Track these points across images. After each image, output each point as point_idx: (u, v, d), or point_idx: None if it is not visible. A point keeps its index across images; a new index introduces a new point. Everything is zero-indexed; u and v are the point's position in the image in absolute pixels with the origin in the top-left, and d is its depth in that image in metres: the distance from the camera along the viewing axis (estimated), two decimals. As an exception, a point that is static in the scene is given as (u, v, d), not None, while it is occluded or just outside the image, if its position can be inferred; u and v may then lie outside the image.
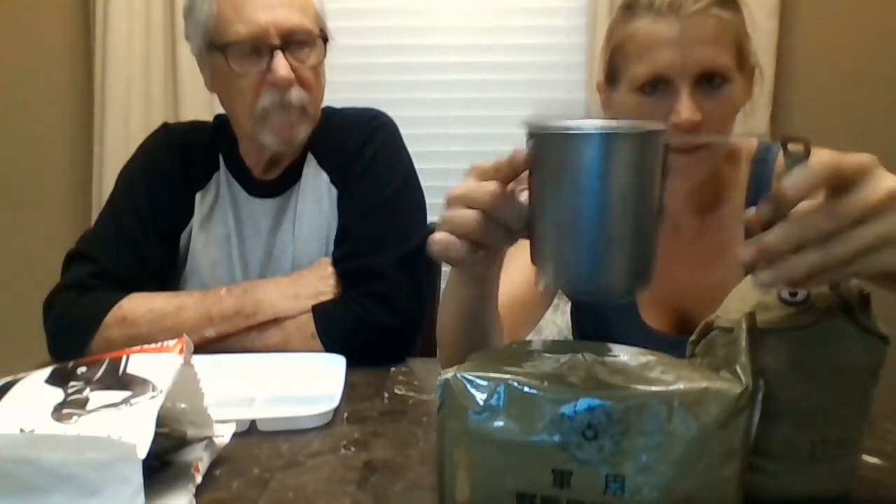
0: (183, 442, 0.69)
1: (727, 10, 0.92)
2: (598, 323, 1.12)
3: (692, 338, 0.67)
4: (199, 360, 0.69)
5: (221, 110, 1.21)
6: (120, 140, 1.96)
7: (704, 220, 1.04)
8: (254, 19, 1.06)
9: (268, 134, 1.11)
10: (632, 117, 0.93)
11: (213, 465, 0.70)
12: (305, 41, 1.10)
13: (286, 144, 1.13)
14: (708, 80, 0.91)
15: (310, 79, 1.11)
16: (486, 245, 0.65)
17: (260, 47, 1.07)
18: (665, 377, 0.56)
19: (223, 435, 0.72)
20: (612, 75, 1.00)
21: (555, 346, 0.61)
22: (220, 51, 1.08)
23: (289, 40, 1.08)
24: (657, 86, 0.92)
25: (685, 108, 0.89)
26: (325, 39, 1.12)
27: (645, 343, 1.05)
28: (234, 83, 1.09)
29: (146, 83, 1.98)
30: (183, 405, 0.68)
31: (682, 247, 1.05)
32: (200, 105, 1.97)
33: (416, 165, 1.21)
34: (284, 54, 1.07)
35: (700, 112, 0.90)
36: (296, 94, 1.09)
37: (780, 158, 0.92)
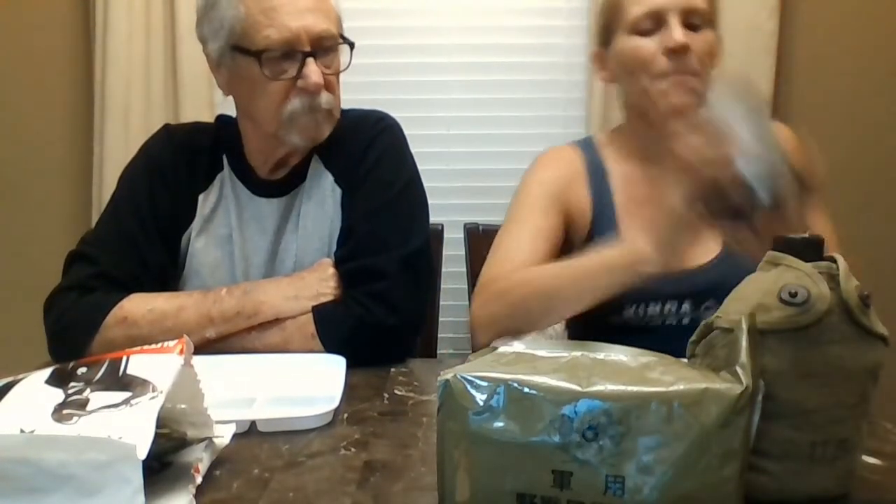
0: (183, 443, 0.69)
1: None
2: None
3: (692, 338, 0.67)
4: (199, 361, 0.70)
5: (221, 110, 1.21)
6: (120, 140, 1.95)
7: None
8: (286, 25, 1.05)
9: (295, 134, 1.11)
10: (631, 55, 1.14)
11: (213, 466, 0.70)
12: (332, 47, 1.11)
13: (312, 142, 1.14)
14: (690, 23, 1.11)
15: (334, 83, 1.13)
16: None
17: (291, 53, 1.07)
18: (665, 378, 0.56)
19: (223, 435, 0.72)
20: (606, 35, 1.19)
21: (554, 347, 0.61)
22: (248, 55, 1.08)
23: (318, 46, 1.08)
24: (650, 28, 1.11)
25: (677, 34, 1.09)
26: (352, 45, 1.13)
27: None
28: (262, 87, 1.09)
29: (146, 83, 1.97)
30: (183, 406, 0.68)
31: (667, 196, 1.13)
32: (200, 105, 1.97)
33: (418, 166, 1.21)
34: (315, 59, 1.08)
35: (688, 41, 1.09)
36: (325, 98, 1.10)
37: None
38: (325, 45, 1.10)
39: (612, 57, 1.18)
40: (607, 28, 1.18)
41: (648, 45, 1.11)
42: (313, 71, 1.07)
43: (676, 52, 1.09)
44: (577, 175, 1.22)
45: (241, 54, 1.09)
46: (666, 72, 1.10)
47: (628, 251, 0.99)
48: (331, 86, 1.12)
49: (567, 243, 1.21)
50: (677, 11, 1.10)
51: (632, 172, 1.22)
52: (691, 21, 1.11)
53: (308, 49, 1.07)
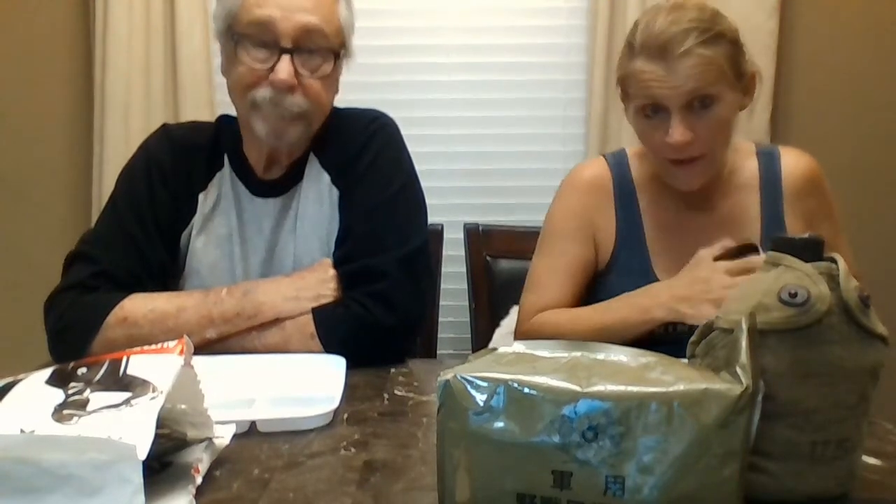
0: (183, 443, 0.69)
1: (710, 46, 1.07)
2: (613, 287, 1.20)
3: (692, 338, 0.67)
4: (199, 361, 0.70)
5: (221, 110, 1.21)
6: (120, 140, 1.95)
7: (714, 196, 1.21)
8: (271, 10, 1.07)
9: (259, 122, 1.11)
10: (640, 136, 1.16)
11: (213, 466, 0.70)
12: (317, 50, 1.10)
13: (274, 137, 1.12)
14: (696, 104, 1.09)
15: (315, 88, 1.11)
16: None
17: (270, 44, 1.07)
18: (665, 378, 0.56)
19: (223, 436, 0.72)
20: (624, 94, 1.18)
21: (555, 347, 0.61)
22: (232, 37, 1.09)
23: (300, 46, 1.08)
24: (656, 111, 1.11)
25: (675, 132, 1.08)
26: (338, 54, 1.12)
27: None
28: (236, 68, 1.10)
29: (146, 83, 1.97)
30: (183, 406, 0.68)
31: (696, 218, 1.20)
32: (200, 105, 1.97)
33: (417, 166, 1.21)
34: (293, 59, 1.07)
35: (691, 131, 1.08)
36: (293, 99, 1.09)
37: (785, 157, 1.22)
38: (309, 46, 1.09)
39: (630, 118, 1.18)
40: (623, 89, 1.17)
41: (653, 134, 1.12)
42: (284, 68, 1.07)
43: (677, 148, 1.10)
44: (605, 198, 1.24)
45: (228, 36, 1.10)
46: (671, 160, 1.13)
47: (645, 312, 1.08)
48: (310, 91, 1.10)
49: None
50: (677, 103, 1.08)
51: (660, 192, 1.23)
52: (697, 103, 1.08)
53: (288, 45, 1.07)
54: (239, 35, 1.09)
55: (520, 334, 1.24)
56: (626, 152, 1.29)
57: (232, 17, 1.10)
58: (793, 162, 1.22)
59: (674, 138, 1.08)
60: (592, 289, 1.25)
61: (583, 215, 1.23)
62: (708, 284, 1.04)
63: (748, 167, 1.22)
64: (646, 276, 1.18)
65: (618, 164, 1.26)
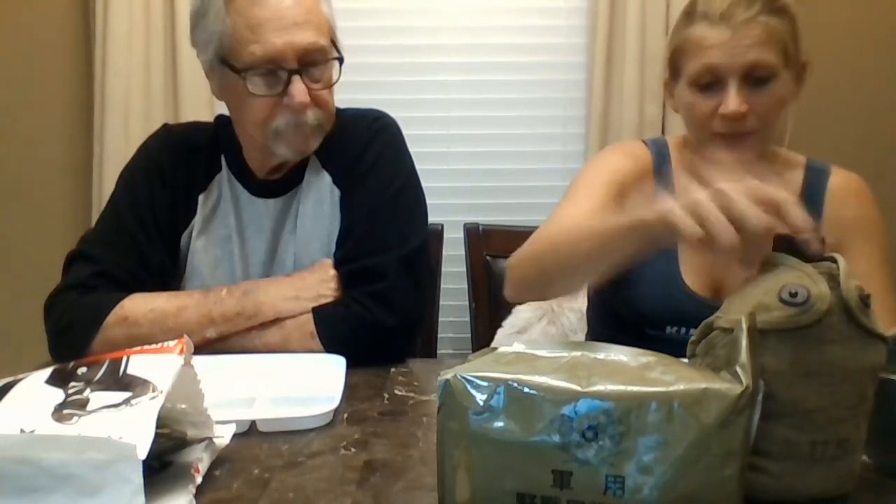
0: (183, 443, 0.69)
1: (775, 16, 1.05)
2: (638, 286, 1.14)
3: (692, 338, 0.67)
4: (199, 361, 0.70)
5: (221, 110, 1.21)
6: (120, 140, 1.96)
7: None
8: (271, 42, 1.04)
9: (282, 146, 1.11)
10: (689, 110, 1.11)
11: (213, 466, 0.70)
12: (321, 61, 1.09)
13: (299, 155, 1.14)
14: (754, 77, 1.05)
15: (326, 98, 1.11)
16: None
17: (276, 70, 1.06)
18: (665, 377, 0.56)
19: (223, 435, 0.72)
20: (674, 71, 1.14)
21: (555, 347, 0.61)
22: (233, 69, 1.07)
23: (305, 62, 1.07)
24: (710, 83, 1.06)
25: (732, 102, 1.04)
26: (341, 60, 1.12)
27: (685, 302, 1.11)
28: (248, 102, 1.08)
29: (146, 83, 1.97)
30: (183, 406, 0.68)
31: None
32: (200, 105, 1.97)
33: (417, 166, 1.21)
34: (301, 77, 1.07)
35: (746, 104, 1.04)
36: (312, 115, 1.09)
37: (835, 176, 1.16)
38: (314, 60, 1.08)
39: (676, 96, 1.15)
40: (673, 65, 1.14)
41: (705, 105, 1.07)
42: (299, 90, 1.06)
43: (731, 119, 1.05)
44: (646, 177, 1.18)
45: (228, 68, 1.08)
46: (720, 133, 1.07)
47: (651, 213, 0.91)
48: (320, 101, 1.10)
49: None
50: (737, 72, 1.04)
51: (699, 182, 1.17)
52: (756, 76, 1.05)
53: (294, 66, 1.06)
54: (241, 70, 1.06)
55: (521, 254, 1.06)
56: (667, 140, 1.24)
57: (223, 47, 1.07)
58: (840, 181, 1.17)
59: (729, 108, 1.04)
60: (613, 281, 1.15)
61: (621, 177, 1.15)
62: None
63: (791, 178, 1.17)
64: (671, 265, 1.13)
65: (658, 150, 1.21)
